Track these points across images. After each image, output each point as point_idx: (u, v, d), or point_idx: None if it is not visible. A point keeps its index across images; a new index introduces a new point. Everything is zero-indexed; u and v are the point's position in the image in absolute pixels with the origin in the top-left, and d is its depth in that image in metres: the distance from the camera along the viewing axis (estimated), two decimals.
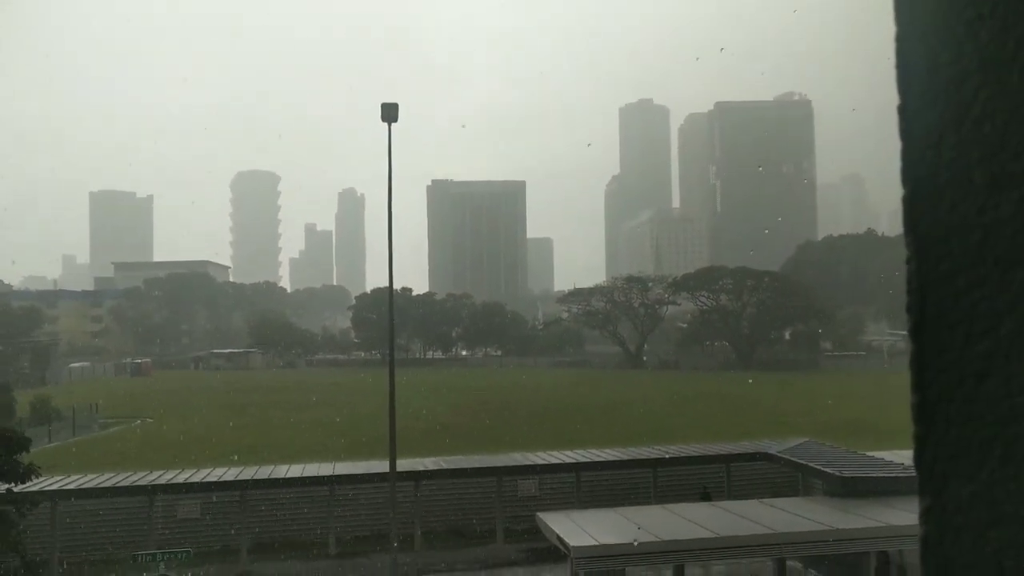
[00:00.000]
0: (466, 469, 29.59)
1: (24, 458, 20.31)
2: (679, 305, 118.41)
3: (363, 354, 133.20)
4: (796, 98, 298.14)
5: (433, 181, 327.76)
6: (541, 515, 22.87)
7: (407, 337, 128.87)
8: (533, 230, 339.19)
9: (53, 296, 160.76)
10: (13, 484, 20.16)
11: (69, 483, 27.05)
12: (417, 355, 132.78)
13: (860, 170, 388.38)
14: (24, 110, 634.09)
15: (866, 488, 23.16)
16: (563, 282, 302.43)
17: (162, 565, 17.71)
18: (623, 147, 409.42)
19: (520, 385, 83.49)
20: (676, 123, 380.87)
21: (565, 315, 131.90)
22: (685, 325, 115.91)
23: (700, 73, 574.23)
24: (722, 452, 31.75)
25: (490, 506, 29.57)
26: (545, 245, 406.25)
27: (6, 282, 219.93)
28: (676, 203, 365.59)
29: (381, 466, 24.91)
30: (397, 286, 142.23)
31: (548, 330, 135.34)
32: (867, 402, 54.59)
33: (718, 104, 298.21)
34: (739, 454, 31.50)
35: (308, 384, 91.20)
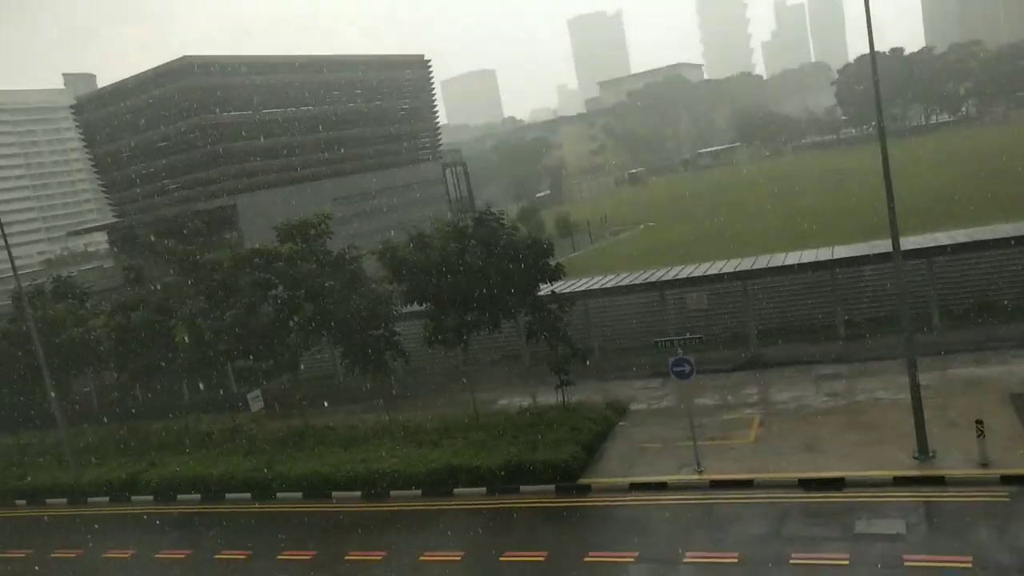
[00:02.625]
0: (987, 241, 26.12)
1: (552, 261, 23.98)
2: None
3: (853, 131, 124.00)
4: None
5: None
6: None
7: (902, 104, 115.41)
8: None
9: (554, 124, 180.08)
10: (551, 284, 24.13)
11: (594, 284, 31.28)
12: (917, 122, 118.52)
13: None
14: None
15: None
16: None
17: (680, 350, 19.61)
18: None
19: None
20: None
21: None
22: None
23: None
24: None
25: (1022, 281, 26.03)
26: None
27: (518, 118, 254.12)
28: None
29: (884, 245, 23.50)
30: (885, 47, 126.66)
31: None
32: None
33: None
34: None
35: (797, 172, 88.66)
